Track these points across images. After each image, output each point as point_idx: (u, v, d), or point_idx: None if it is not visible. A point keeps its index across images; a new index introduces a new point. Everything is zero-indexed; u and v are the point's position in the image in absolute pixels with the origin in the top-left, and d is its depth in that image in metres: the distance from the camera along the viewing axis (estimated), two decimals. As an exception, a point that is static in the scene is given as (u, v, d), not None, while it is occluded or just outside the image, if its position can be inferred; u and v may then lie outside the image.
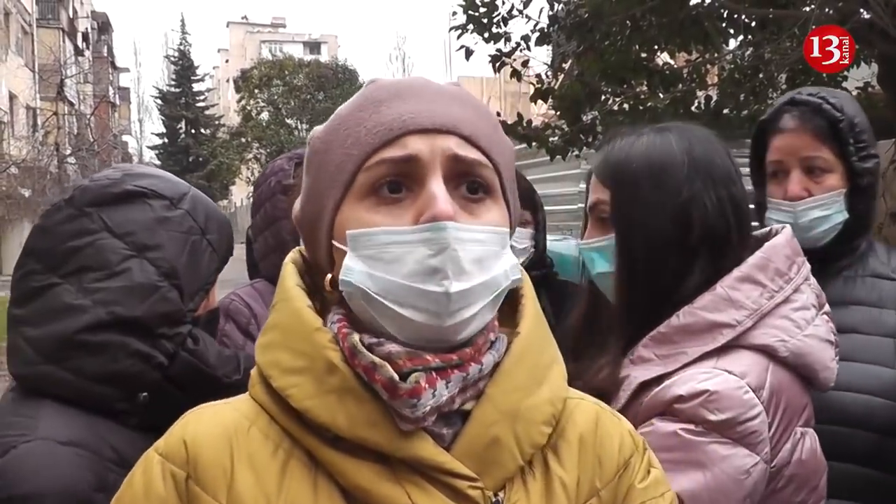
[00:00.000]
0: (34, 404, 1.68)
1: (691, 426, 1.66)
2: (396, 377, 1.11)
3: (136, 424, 1.71)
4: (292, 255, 1.34)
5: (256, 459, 1.16)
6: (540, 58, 9.36)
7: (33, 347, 1.68)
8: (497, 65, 8.39)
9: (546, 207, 3.73)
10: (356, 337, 1.16)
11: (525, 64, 8.63)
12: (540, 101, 8.26)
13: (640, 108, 7.85)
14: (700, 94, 8.29)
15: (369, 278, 1.13)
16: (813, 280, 1.92)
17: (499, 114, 8.59)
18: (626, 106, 7.99)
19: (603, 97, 8.24)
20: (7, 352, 1.74)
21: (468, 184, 1.17)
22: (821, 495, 1.85)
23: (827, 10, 7.62)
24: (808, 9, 7.68)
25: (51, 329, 1.68)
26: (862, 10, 7.56)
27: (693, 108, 7.96)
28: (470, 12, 8.31)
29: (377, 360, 1.13)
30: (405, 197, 1.15)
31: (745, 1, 7.60)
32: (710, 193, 1.83)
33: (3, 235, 31.69)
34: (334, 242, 1.20)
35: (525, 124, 8.20)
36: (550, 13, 8.61)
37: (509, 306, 1.30)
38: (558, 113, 8.37)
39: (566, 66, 8.93)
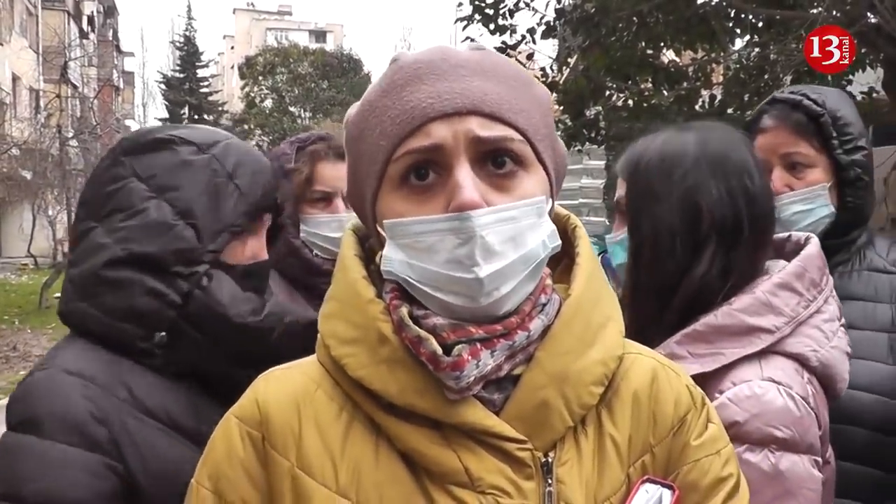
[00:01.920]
0: (69, 340, 1.77)
1: (764, 451, 1.61)
2: (440, 351, 1.14)
3: (160, 366, 1.75)
4: (353, 223, 1.35)
5: (322, 421, 1.21)
6: (545, 51, 9.31)
7: (72, 285, 1.78)
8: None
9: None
10: (405, 310, 1.18)
11: (530, 57, 8.63)
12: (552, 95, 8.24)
13: (644, 104, 7.85)
14: (704, 92, 8.29)
15: (408, 266, 1.17)
16: (835, 292, 1.91)
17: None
18: (629, 102, 7.99)
19: (607, 93, 8.24)
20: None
21: (495, 160, 1.17)
22: (832, 498, 1.86)
23: (834, 12, 7.62)
24: (815, 11, 7.70)
25: (84, 268, 1.76)
26: (869, 14, 7.56)
27: (697, 107, 7.95)
28: (476, 3, 8.31)
29: (422, 333, 1.15)
30: (435, 183, 1.16)
31: (752, 1, 7.59)
32: (718, 183, 1.81)
33: (3, 217, 31.62)
34: (378, 228, 1.22)
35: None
36: (557, 7, 8.60)
37: (567, 264, 1.32)
38: (562, 107, 8.35)
39: (571, 60, 8.91)
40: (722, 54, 8.37)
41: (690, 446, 1.29)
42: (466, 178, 1.13)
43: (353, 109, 1.27)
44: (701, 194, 1.81)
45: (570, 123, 8.10)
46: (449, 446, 1.17)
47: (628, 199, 1.89)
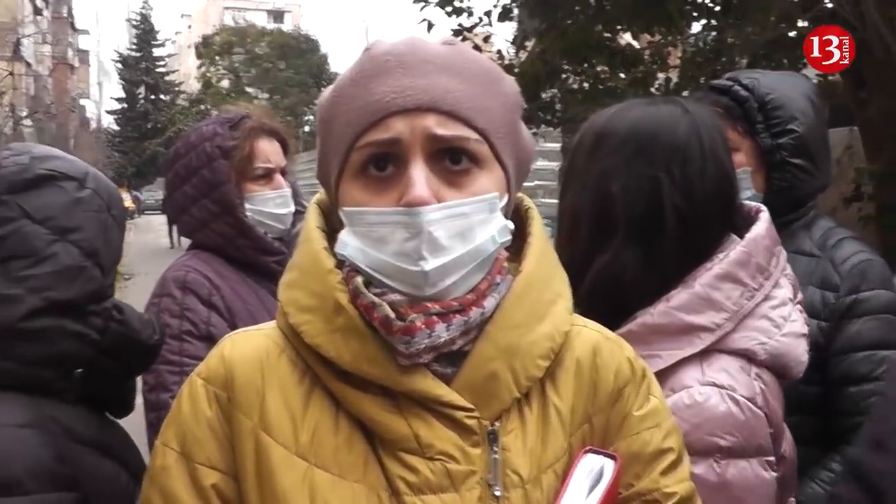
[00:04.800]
0: None
1: (709, 461, 1.56)
2: (392, 315, 1.20)
3: (76, 399, 1.76)
4: (318, 197, 1.40)
5: (285, 384, 1.27)
6: (504, 34, 9.23)
7: None
8: (459, 39, 8.31)
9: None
10: (360, 279, 1.24)
11: (487, 39, 8.57)
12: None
13: (600, 87, 7.82)
14: (661, 75, 8.28)
15: (361, 253, 1.23)
16: (789, 268, 1.84)
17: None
18: (585, 85, 7.96)
19: (563, 75, 8.20)
20: None
21: (452, 157, 1.22)
22: (796, 484, 1.82)
23: (790, -3, 7.65)
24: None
25: None
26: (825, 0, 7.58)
27: (653, 90, 7.93)
28: (434, -16, 8.24)
29: (377, 299, 1.22)
30: (392, 175, 1.22)
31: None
32: (640, 168, 1.71)
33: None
34: (339, 211, 1.29)
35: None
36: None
37: (521, 245, 1.36)
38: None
39: (528, 43, 8.86)
40: (679, 38, 8.34)
41: (632, 416, 1.35)
42: (419, 174, 1.19)
43: (326, 93, 1.32)
44: (615, 179, 1.72)
45: (525, 106, 8.03)
46: (400, 414, 1.22)
47: (560, 174, 1.83)
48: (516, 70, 8.27)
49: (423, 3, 8.31)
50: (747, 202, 1.89)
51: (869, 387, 2.20)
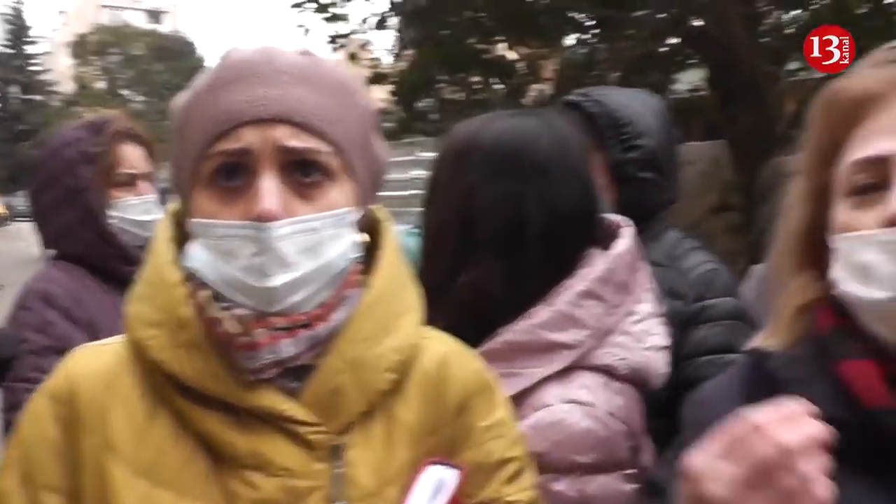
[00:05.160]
0: None
1: (570, 477, 1.53)
2: (236, 330, 1.17)
3: None
4: (172, 206, 1.36)
5: (130, 400, 1.23)
6: (384, 43, 9.20)
7: None
8: (336, 46, 8.27)
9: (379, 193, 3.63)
10: (207, 293, 1.20)
11: (363, 47, 8.53)
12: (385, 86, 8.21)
13: (475, 98, 7.87)
14: (535, 87, 8.37)
15: (208, 266, 1.20)
16: (652, 282, 1.83)
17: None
18: (461, 96, 7.99)
19: (439, 86, 8.22)
20: None
21: (303, 169, 1.19)
22: None
23: (662, 14, 7.84)
24: (643, 13, 7.91)
25: None
26: (693, 18, 7.81)
27: (524, 101, 8.03)
28: (311, -10, 8.16)
29: (221, 314, 1.18)
30: (242, 186, 1.18)
31: (582, 0, 7.71)
32: (504, 184, 1.68)
33: None
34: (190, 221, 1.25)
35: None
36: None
37: (373, 256, 1.33)
38: (395, 98, 8.29)
39: (404, 52, 8.88)
40: (552, 50, 8.47)
41: (476, 428, 1.33)
42: (269, 187, 1.15)
43: (181, 98, 1.28)
44: (479, 194, 1.68)
45: (402, 115, 8.03)
46: (243, 430, 1.19)
47: (426, 185, 1.79)
48: (393, 79, 8.26)
49: (299, 9, 8.21)
50: (610, 216, 1.88)
51: None
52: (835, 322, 1.20)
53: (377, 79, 8.21)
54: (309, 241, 1.18)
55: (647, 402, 1.78)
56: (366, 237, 1.29)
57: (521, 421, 1.53)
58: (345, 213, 1.22)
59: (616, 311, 1.68)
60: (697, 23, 7.90)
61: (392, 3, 8.50)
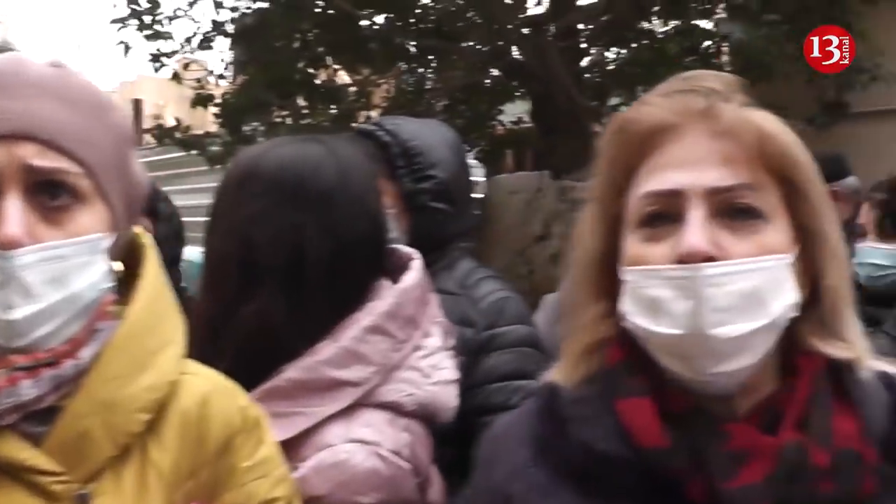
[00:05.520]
0: None
1: None
2: None
3: None
4: None
5: None
6: (212, 63, 9.04)
7: None
8: (158, 65, 8.05)
9: (198, 218, 3.51)
10: None
11: (187, 67, 8.32)
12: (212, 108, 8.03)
13: (303, 122, 7.82)
14: (365, 113, 8.39)
15: None
16: (441, 315, 1.80)
17: (178, 120, 8.25)
18: (289, 120, 7.93)
19: (267, 109, 8.12)
20: None
21: (50, 191, 1.10)
22: None
23: (483, 47, 8.02)
24: (466, 44, 8.07)
25: None
26: (514, 51, 8.01)
27: (353, 126, 8.04)
28: (132, 7, 7.92)
29: None
30: None
31: (410, 30, 7.80)
32: (285, 214, 1.64)
33: None
34: None
35: (183, 130, 7.94)
36: (215, 19, 8.38)
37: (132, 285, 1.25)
38: (220, 121, 8.14)
39: (229, 74, 8.73)
40: (382, 77, 8.53)
41: (238, 469, 1.27)
42: (12, 210, 1.06)
43: None
44: (259, 225, 1.64)
45: (228, 138, 7.88)
46: None
47: (207, 213, 1.72)
48: (219, 101, 8.11)
49: (119, 25, 7.96)
50: (400, 247, 1.87)
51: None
52: (622, 356, 1.20)
53: (202, 100, 8.02)
54: (56, 269, 1.09)
55: (435, 431, 1.77)
56: (120, 266, 1.21)
57: (303, 462, 1.51)
58: (96, 238, 1.14)
59: (403, 347, 1.65)
60: (518, 56, 8.12)
61: (214, 23, 8.34)
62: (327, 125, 8.00)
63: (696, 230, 1.09)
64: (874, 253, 3.39)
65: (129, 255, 1.25)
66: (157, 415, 1.21)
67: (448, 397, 1.74)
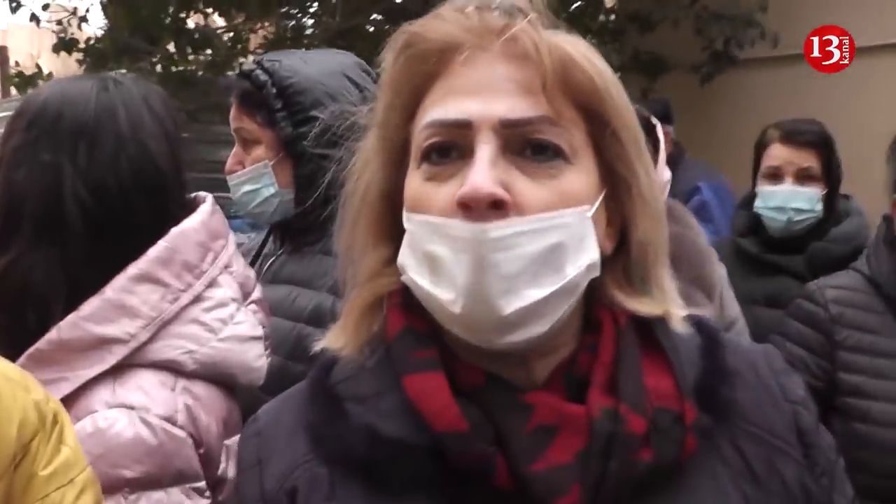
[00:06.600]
0: None
1: (117, 496, 1.33)
2: None
3: None
4: None
5: None
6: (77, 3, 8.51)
7: None
8: (14, 5, 7.53)
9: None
10: None
11: (46, 8, 7.83)
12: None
13: (174, 70, 7.44)
14: (242, 60, 8.03)
15: None
16: (237, 267, 1.63)
17: (38, 67, 7.80)
18: (158, 67, 7.53)
19: (136, 55, 7.68)
20: None
21: None
22: None
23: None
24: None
25: None
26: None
27: (231, 74, 7.68)
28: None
29: None
30: None
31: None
32: (38, 156, 1.47)
33: None
34: None
35: (46, 78, 7.47)
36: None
37: None
38: (83, 67, 7.68)
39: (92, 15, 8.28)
40: (258, 23, 8.19)
41: (38, 478, 1.12)
42: None
43: None
44: (19, 167, 1.47)
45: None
46: None
47: None
48: (82, 46, 7.66)
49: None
50: (202, 193, 1.67)
51: None
52: (405, 322, 1.00)
53: (66, 45, 7.56)
54: None
55: (249, 400, 1.61)
56: None
57: None
58: None
59: (180, 297, 1.48)
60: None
61: (73, -38, 7.87)
62: (200, 73, 7.66)
63: (483, 168, 0.90)
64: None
65: None
66: None
67: (248, 356, 1.57)
